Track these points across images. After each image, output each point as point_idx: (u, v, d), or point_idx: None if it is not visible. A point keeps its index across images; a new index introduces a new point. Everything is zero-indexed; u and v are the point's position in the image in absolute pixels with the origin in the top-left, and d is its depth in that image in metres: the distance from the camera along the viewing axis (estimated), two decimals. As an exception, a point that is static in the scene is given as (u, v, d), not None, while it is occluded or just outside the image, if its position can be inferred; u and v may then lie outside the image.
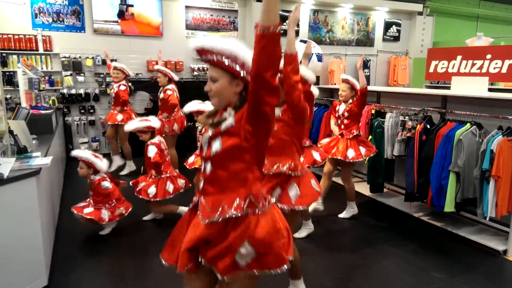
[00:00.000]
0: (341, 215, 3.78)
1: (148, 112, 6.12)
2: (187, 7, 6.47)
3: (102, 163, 3.16)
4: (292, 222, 2.31)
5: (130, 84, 5.00)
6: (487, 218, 3.06)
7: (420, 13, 8.18)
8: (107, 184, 3.13)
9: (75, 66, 5.79)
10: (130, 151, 5.07)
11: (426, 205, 3.83)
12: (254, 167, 1.37)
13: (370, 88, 5.27)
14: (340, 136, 3.66)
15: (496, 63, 3.83)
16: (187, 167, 3.71)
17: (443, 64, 4.31)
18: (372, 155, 3.63)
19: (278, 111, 2.17)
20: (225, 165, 1.35)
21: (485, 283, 2.66)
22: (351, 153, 3.51)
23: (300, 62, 2.22)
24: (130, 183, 3.43)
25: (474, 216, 3.39)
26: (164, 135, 4.71)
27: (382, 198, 4.24)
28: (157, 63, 5.84)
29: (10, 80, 5.42)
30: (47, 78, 5.67)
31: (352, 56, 7.65)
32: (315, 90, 2.50)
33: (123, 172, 5.06)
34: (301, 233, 3.29)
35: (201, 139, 1.45)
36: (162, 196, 3.33)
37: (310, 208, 3.51)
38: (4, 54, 5.39)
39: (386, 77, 8.29)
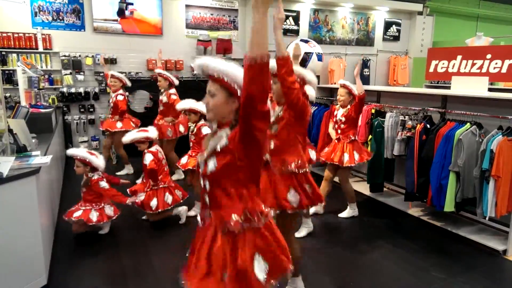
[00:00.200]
0: (341, 215, 3.79)
1: (148, 110, 6.14)
2: (187, 6, 6.46)
3: (98, 160, 3.14)
4: (294, 221, 2.34)
5: (127, 93, 4.99)
6: (487, 218, 3.06)
7: (420, 13, 8.17)
8: (104, 184, 3.12)
9: (75, 65, 5.78)
10: (126, 156, 5.06)
11: (426, 205, 3.83)
12: (249, 184, 1.42)
13: (370, 87, 5.28)
14: (337, 141, 3.73)
15: (496, 63, 3.84)
16: (180, 168, 3.70)
17: (443, 64, 4.31)
18: (365, 161, 3.67)
19: (279, 111, 2.18)
20: (220, 184, 1.40)
21: (485, 282, 2.66)
22: (346, 158, 3.58)
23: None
24: (128, 190, 3.41)
25: (474, 216, 3.39)
26: (165, 140, 4.72)
27: (382, 198, 4.24)
28: (157, 62, 5.85)
29: (9, 78, 5.41)
30: (46, 76, 5.66)
31: (352, 56, 7.65)
32: (311, 92, 2.52)
33: (121, 173, 5.05)
34: (301, 232, 3.30)
35: (198, 159, 1.50)
36: (162, 207, 3.34)
37: (311, 210, 3.56)
38: (3, 53, 5.37)
39: (386, 76, 8.29)
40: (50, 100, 5.58)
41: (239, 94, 1.36)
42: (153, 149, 3.43)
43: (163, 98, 4.72)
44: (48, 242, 2.77)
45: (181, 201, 3.50)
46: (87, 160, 3.08)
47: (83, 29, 5.88)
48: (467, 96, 3.56)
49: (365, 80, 7.78)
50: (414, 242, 3.25)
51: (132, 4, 6.02)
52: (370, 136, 4.19)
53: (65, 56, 5.73)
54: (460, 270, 2.81)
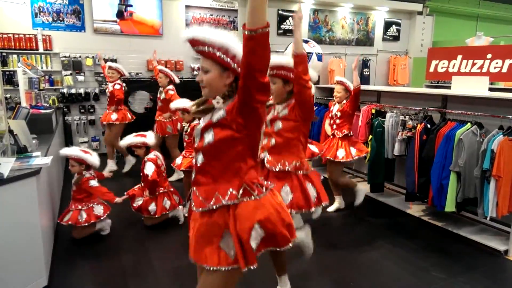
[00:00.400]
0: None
1: (148, 111, 6.13)
2: (187, 6, 6.46)
3: (93, 158, 3.11)
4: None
5: (124, 84, 4.99)
6: (488, 218, 3.05)
7: (420, 13, 8.18)
8: (93, 182, 3.07)
9: (75, 66, 5.79)
10: (125, 148, 4.99)
11: (426, 205, 3.83)
12: (247, 157, 1.39)
13: (370, 87, 5.28)
14: (331, 136, 3.78)
15: (497, 63, 3.83)
16: (175, 168, 3.69)
17: (443, 63, 4.31)
18: (362, 156, 3.71)
19: (284, 110, 2.15)
20: (218, 156, 1.37)
21: (486, 283, 2.65)
22: (341, 153, 3.61)
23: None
24: (125, 194, 3.41)
25: (475, 216, 3.39)
26: (167, 135, 4.74)
27: (383, 198, 4.24)
28: (153, 62, 5.85)
29: (10, 79, 5.42)
30: (47, 77, 5.67)
31: (352, 56, 7.65)
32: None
33: (125, 169, 5.06)
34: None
35: (194, 131, 1.47)
36: (160, 213, 3.33)
37: (332, 208, 3.85)
38: (4, 54, 5.38)
39: (386, 76, 8.29)
40: (50, 101, 5.59)
41: (233, 67, 1.33)
42: (152, 155, 3.39)
43: (161, 94, 4.75)
44: (48, 243, 2.77)
45: (178, 206, 3.50)
46: (82, 159, 3.06)
47: (83, 30, 5.89)
48: (467, 96, 3.55)
49: (365, 80, 7.79)
50: (415, 242, 3.24)
51: (131, 6, 6.03)
52: (370, 136, 4.18)
53: (65, 57, 5.73)
54: (461, 270, 2.81)
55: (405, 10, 8.05)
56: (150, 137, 3.44)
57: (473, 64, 4.02)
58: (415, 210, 3.91)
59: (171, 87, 4.72)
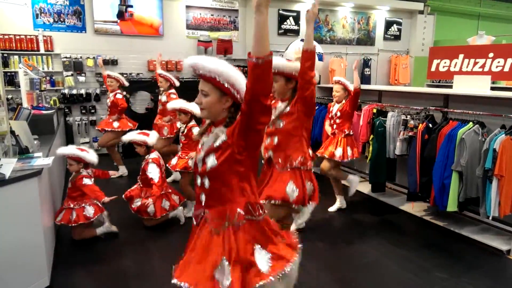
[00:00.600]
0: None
1: (148, 111, 6.13)
2: (187, 6, 6.46)
3: (90, 155, 3.09)
4: (287, 215, 2.30)
5: (125, 93, 4.99)
6: (490, 218, 3.04)
7: (421, 12, 8.16)
8: (87, 180, 3.03)
9: (76, 66, 5.79)
10: (119, 157, 5.04)
11: (428, 205, 3.82)
12: (250, 177, 1.45)
13: (371, 87, 5.27)
14: (332, 136, 3.80)
15: (499, 62, 3.82)
16: (170, 169, 3.68)
17: (445, 62, 4.30)
18: (354, 158, 3.75)
19: (284, 106, 2.15)
20: (222, 179, 1.42)
21: (488, 282, 2.65)
22: (338, 152, 3.65)
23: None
24: (123, 196, 3.41)
25: (477, 216, 3.37)
26: (162, 137, 4.72)
27: (384, 198, 4.23)
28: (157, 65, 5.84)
29: (11, 80, 5.42)
30: (48, 78, 5.68)
31: (352, 55, 7.63)
32: None
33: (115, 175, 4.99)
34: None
35: (196, 158, 1.51)
36: (160, 214, 3.33)
37: (334, 208, 3.85)
38: (5, 55, 5.38)
39: (387, 76, 8.27)
40: (51, 102, 5.60)
41: (232, 93, 1.39)
42: (154, 155, 3.39)
43: (163, 97, 4.75)
44: (50, 243, 2.77)
45: (179, 206, 3.49)
46: (79, 157, 3.04)
47: (84, 31, 5.89)
48: (469, 95, 3.54)
49: (366, 79, 7.77)
50: (417, 242, 3.24)
51: (131, 6, 6.03)
52: (371, 136, 4.17)
53: (66, 57, 5.74)
54: (463, 270, 2.80)
55: (406, 9, 8.04)
56: (152, 137, 3.43)
57: (475, 63, 4.01)
58: (417, 209, 3.90)
59: (172, 90, 4.74)
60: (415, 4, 7.97)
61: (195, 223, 1.55)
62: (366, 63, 7.84)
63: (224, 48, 6.59)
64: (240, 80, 1.38)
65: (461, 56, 4.12)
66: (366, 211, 3.91)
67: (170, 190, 3.50)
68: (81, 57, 5.82)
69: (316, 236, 3.34)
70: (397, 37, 8.25)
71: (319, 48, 6.48)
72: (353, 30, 7.80)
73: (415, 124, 3.68)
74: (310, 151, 3.53)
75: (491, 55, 3.88)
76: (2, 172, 2.18)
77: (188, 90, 5.56)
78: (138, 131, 3.52)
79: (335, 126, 3.78)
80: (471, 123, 3.24)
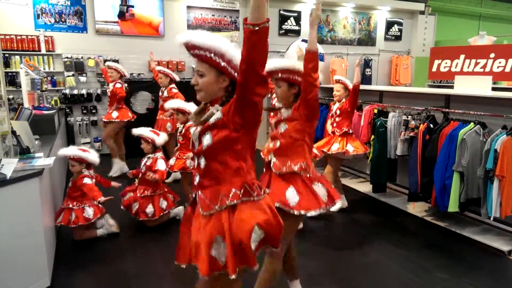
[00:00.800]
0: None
1: (150, 112, 6.13)
2: (188, 7, 6.46)
3: (92, 156, 3.10)
4: (294, 222, 2.21)
5: (126, 84, 4.98)
6: (491, 218, 3.04)
7: (422, 12, 8.16)
8: (87, 180, 3.03)
9: (77, 67, 5.80)
10: (115, 149, 4.93)
11: (429, 205, 3.82)
12: (246, 156, 1.41)
13: (372, 87, 5.27)
14: (332, 134, 3.82)
15: (500, 62, 3.82)
16: (168, 169, 3.68)
17: (446, 63, 4.30)
18: (360, 153, 3.71)
19: (289, 111, 2.11)
20: (218, 157, 1.39)
21: (489, 283, 2.64)
22: (335, 147, 3.66)
23: None
24: (122, 207, 3.40)
25: (478, 216, 3.37)
26: (166, 133, 4.72)
27: (385, 198, 4.23)
28: (158, 64, 5.85)
29: (12, 80, 5.43)
30: (49, 78, 5.68)
31: (353, 56, 7.63)
32: None
33: (111, 173, 4.91)
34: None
35: (192, 135, 1.48)
36: (158, 214, 3.34)
37: (336, 207, 3.72)
38: (6, 55, 5.39)
39: (388, 76, 8.27)
40: (52, 102, 5.60)
41: (228, 71, 1.36)
42: (162, 154, 3.41)
43: (164, 92, 4.75)
44: (51, 243, 2.77)
45: (175, 205, 3.50)
46: (81, 158, 3.05)
47: (85, 31, 5.90)
48: (470, 96, 3.54)
49: (367, 80, 7.77)
50: (418, 242, 3.23)
51: (132, 6, 6.04)
52: (372, 136, 4.17)
53: (67, 58, 5.74)
54: (464, 270, 2.79)
55: (407, 10, 8.03)
56: (161, 138, 3.44)
57: (476, 64, 4.01)
58: (418, 210, 3.89)
59: (173, 85, 4.76)
60: (416, 4, 7.97)
61: (190, 202, 1.55)
62: (367, 64, 7.84)
63: (225, 48, 6.58)
64: (237, 57, 1.33)
65: (462, 56, 4.12)
66: (367, 212, 3.90)
67: (166, 189, 3.51)
68: (82, 57, 5.83)
69: (316, 236, 3.34)
70: (398, 38, 8.25)
71: (320, 49, 6.48)
72: (354, 31, 7.80)
73: (416, 124, 3.68)
74: (315, 150, 3.57)
75: (492, 55, 3.88)
76: (3, 172, 2.18)
77: (189, 90, 5.58)
78: (150, 128, 3.52)
79: (335, 124, 3.80)
80: (472, 123, 3.24)
